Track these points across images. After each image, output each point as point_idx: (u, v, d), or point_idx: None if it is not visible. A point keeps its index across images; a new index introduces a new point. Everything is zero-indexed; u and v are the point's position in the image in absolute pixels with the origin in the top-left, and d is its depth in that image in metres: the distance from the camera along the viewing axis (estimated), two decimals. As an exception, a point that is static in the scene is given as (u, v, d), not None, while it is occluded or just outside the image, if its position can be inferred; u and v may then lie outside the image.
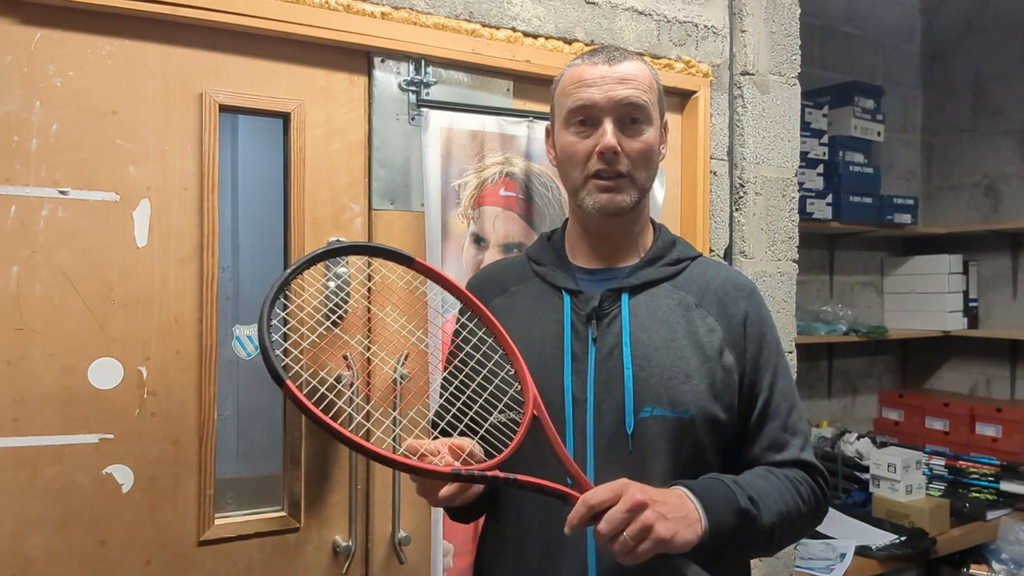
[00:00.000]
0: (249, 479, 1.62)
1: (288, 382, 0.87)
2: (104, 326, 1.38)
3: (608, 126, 1.09)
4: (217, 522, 1.47)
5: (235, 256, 2.05)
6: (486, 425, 1.00)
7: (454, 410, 1.07)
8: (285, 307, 1.45)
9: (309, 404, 0.88)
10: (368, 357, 1.59)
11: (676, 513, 0.94)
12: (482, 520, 1.25)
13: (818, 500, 1.14)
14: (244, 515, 1.52)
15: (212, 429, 1.46)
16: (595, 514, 0.91)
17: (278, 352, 0.90)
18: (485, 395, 1.06)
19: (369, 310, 1.59)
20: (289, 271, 0.98)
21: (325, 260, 1.04)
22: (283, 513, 1.55)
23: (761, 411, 1.14)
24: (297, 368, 1.34)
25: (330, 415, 0.90)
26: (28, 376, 1.32)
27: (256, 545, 1.51)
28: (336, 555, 1.58)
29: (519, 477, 0.94)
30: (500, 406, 1.04)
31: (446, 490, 0.98)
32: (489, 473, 0.92)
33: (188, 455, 1.44)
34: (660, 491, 0.96)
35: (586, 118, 1.11)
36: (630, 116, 1.10)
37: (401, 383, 1.60)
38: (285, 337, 1.56)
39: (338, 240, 1.56)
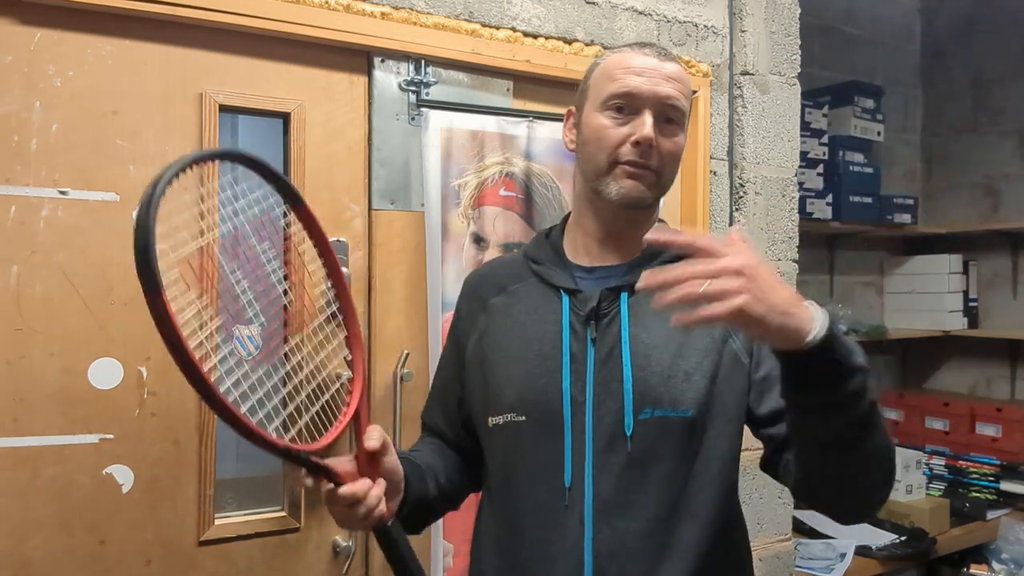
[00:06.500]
0: (249, 479, 1.62)
1: (163, 293, 0.78)
2: (104, 326, 1.38)
3: (648, 118, 1.07)
4: (217, 522, 1.47)
5: (235, 256, 2.04)
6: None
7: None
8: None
9: (177, 324, 0.79)
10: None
11: (782, 304, 0.85)
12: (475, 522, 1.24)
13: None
14: (244, 515, 1.52)
15: (212, 429, 1.46)
16: None
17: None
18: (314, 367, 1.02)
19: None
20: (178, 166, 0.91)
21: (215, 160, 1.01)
22: (283, 513, 1.55)
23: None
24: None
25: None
26: (28, 376, 1.32)
27: (256, 545, 1.51)
28: (336, 555, 1.58)
29: (318, 460, 0.98)
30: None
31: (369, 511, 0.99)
32: (314, 459, 0.97)
33: (188, 455, 1.44)
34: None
35: (626, 105, 1.09)
36: (668, 115, 1.09)
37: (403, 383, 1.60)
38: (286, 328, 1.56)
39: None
